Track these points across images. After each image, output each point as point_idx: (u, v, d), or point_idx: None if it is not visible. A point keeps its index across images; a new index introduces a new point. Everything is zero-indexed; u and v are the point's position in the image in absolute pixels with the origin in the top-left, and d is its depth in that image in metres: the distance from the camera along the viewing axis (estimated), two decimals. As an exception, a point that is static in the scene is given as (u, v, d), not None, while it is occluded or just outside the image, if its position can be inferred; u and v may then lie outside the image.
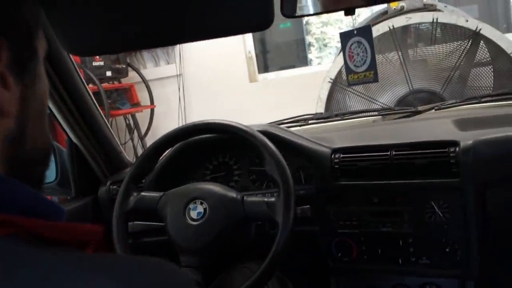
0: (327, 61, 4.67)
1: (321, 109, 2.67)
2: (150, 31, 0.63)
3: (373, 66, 1.03)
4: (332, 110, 2.68)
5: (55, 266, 0.36)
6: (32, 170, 0.48)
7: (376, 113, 1.50)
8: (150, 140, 4.21)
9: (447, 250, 1.11)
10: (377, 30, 2.52)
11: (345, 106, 2.84)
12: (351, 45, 1.04)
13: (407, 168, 1.11)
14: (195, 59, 4.19)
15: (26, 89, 0.46)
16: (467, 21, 2.47)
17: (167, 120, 4.28)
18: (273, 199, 1.01)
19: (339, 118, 1.50)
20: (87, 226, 0.43)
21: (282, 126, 1.38)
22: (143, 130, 4.20)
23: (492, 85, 2.70)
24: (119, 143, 1.43)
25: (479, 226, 1.07)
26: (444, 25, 2.71)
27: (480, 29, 2.44)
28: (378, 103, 2.58)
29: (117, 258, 0.42)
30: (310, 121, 1.52)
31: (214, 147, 1.35)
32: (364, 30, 1.00)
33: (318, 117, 1.53)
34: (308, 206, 1.07)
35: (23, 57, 0.45)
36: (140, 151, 4.07)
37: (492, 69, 2.72)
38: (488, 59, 2.72)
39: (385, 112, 1.48)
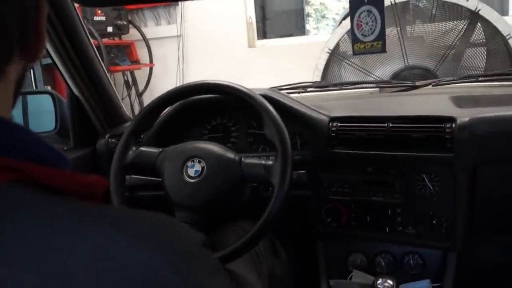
0: (324, 32, 4.61)
1: (317, 78, 2.64)
2: None
3: (382, 36, 0.99)
4: (328, 80, 2.65)
5: (61, 214, 0.33)
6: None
7: (374, 85, 1.47)
8: (147, 98, 4.15)
9: (434, 222, 1.11)
10: (379, 3, 2.46)
11: (340, 77, 2.81)
12: (360, 14, 1.00)
13: (402, 140, 1.10)
14: (196, 21, 4.10)
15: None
16: (467, 0, 2.42)
17: (165, 79, 4.22)
18: (270, 162, 0.98)
19: (337, 88, 1.47)
20: (94, 178, 0.40)
21: (282, 91, 1.35)
22: (140, 88, 4.15)
23: (484, 66, 2.68)
24: (119, 98, 1.39)
25: (467, 201, 1.07)
26: (444, 3, 2.66)
27: (479, 10, 2.39)
28: (374, 76, 2.55)
29: (125, 211, 0.40)
30: (308, 89, 1.49)
31: (214, 108, 1.32)
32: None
33: (317, 86, 1.50)
34: (304, 171, 1.05)
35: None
36: (137, 108, 4.02)
37: (485, 50, 2.69)
38: (483, 40, 2.69)
39: (382, 85, 1.46)
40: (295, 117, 1.19)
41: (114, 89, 1.37)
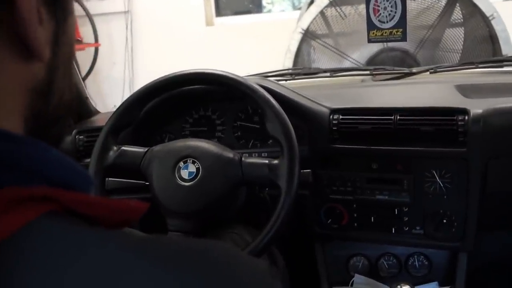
0: (279, 8, 4.59)
1: (289, 61, 2.63)
2: None
3: (402, 23, 0.98)
4: (300, 64, 2.64)
5: (110, 255, 0.32)
6: (52, 130, 0.43)
7: (368, 72, 1.47)
8: (91, 83, 4.01)
9: (444, 221, 1.12)
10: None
11: (313, 61, 2.81)
12: (378, -3, 0.98)
13: (411, 134, 1.10)
14: (146, -6, 3.99)
15: (58, 27, 0.40)
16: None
17: (111, 61, 4.09)
18: (276, 161, 0.97)
19: (328, 75, 1.47)
20: (132, 203, 0.39)
21: (270, 79, 1.33)
22: (83, 71, 3.99)
23: (461, 49, 2.76)
24: (85, 87, 1.32)
25: (480, 197, 1.09)
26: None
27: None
28: (351, 60, 2.57)
29: (172, 243, 0.37)
30: (297, 76, 1.48)
31: (196, 98, 1.29)
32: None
33: (306, 72, 1.50)
34: (309, 170, 1.05)
35: None
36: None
37: (463, 32, 2.76)
38: (460, 20, 2.76)
39: (377, 72, 1.46)
40: (291, 108, 1.15)
41: (79, 75, 1.31)
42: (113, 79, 4.09)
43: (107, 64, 4.08)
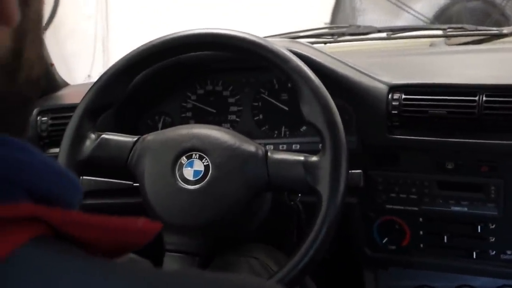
0: None
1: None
2: None
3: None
4: (344, 20, 2.65)
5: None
6: (17, 116, 0.44)
7: (440, 31, 1.46)
8: (50, 41, 4.03)
9: (547, 243, 1.13)
10: None
11: (356, 14, 2.80)
12: None
13: (502, 122, 1.09)
14: None
15: None
16: None
17: (77, 11, 4.11)
18: (314, 158, 0.96)
19: (384, 36, 1.46)
20: (140, 224, 0.40)
21: (301, 41, 1.33)
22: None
23: None
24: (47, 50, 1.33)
25: None
26: None
27: None
28: (412, 13, 2.56)
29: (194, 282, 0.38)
30: (339, 38, 1.47)
31: (200, 68, 1.30)
32: None
33: (352, 32, 1.48)
34: (360, 171, 1.04)
35: None
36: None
37: None
38: None
39: (452, 32, 1.44)
40: (335, 84, 1.16)
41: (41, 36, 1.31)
42: (80, 35, 4.10)
43: (72, 15, 4.08)
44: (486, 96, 1.10)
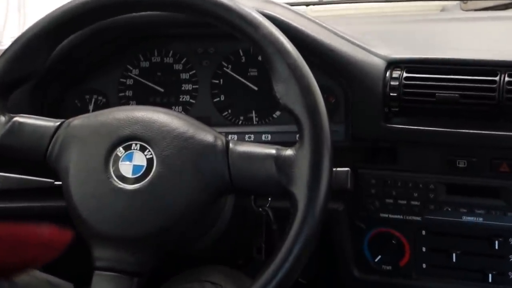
0: None
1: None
2: None
3: None
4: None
5: None
6: None
7: (452, -7, 1.46)
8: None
9: None
10: None
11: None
12: None
13: None
14: None
15: None
16: None
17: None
18: (289, 151, 0.94)
19: None
20: (45, 233, 0.42)
21: (276, 0, 1.32)
22: None
23: None
24: None
25: None
26: None
27: None
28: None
29: None
30: None
31: (144, 33, 1.29)
32: None
33: (341, -9, 1.48)
34: (347, 169, 1.01)
35: None
36: None
37: None
38: None
39: (467, -6, 1.45)
40: (319, 58, 1.17)
41: None
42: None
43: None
44: (509, 76, 1.10)
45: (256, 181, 0.97)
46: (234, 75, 1.29)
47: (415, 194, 1.18)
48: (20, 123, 1.02)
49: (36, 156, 1.01)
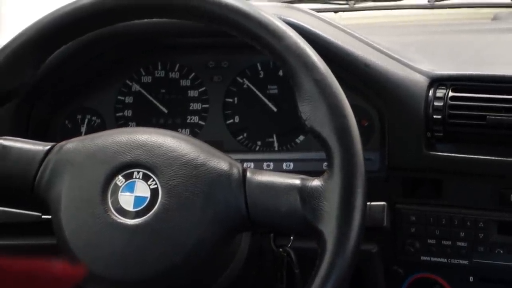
0: None
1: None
2: None
3: None
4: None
5: None
6: None
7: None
8: None
9: None
10: None
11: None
12: None
13: None
14: None
15: None
16: None
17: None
18: (316, 182, 0.91)
19: (427, 4, 1.44)
20: (57, 267, 0.47)
21: (301, 6, 1.32)
22: None
23: None
24: None
25: None
26: None
27: None
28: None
29: None
30: (358, 4, 1.45)
31: (148, 45, 1.30)
32: None
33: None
34: (383, 203, 0.99)
35: None
36: None
37: None
38: None
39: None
40: (351, 73, 1.15)
41: None
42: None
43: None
44: None
45: (277, 216, 0.94)
46: (253, 92, 1.26)
47: (462, 234, 1.15)
48: (4, 147, 1.01)
49: (22, 184, 0.99)
